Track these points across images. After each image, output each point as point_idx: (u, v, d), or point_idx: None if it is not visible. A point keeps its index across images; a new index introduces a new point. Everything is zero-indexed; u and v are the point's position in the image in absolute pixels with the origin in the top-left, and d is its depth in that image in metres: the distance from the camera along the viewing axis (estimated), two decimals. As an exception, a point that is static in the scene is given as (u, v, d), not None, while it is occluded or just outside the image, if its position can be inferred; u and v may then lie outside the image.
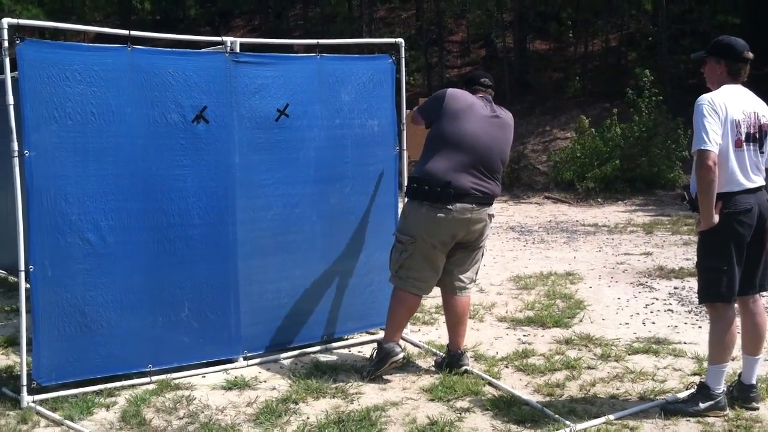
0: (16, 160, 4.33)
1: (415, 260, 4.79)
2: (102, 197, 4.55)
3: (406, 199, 4.91)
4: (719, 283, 4.12)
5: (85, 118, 4.47)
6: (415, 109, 5.13)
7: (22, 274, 4.40)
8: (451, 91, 4.87)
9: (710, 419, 4.13)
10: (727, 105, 4.07)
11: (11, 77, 4.29)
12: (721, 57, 4.23)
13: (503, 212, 13.68)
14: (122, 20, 26.05)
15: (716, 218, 4.04)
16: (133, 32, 4.62)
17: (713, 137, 4.00)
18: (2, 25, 4.21)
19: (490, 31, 22.05)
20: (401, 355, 4.87)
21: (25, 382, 4.38)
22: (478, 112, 4.78)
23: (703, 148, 4.00)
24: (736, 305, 4.24)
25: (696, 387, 4.32)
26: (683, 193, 4.36)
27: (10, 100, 4.31)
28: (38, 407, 4.34)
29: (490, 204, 4.85)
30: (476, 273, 5.05)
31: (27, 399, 4.37)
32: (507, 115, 4.94)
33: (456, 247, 4.85)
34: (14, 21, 4.30)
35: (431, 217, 4.70)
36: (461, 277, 4.92)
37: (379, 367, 4.82)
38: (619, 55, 20.14)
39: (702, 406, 4.18)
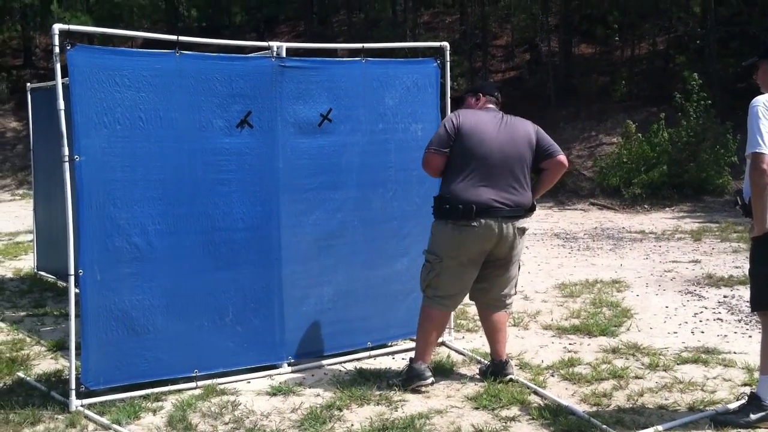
0: (67, 165, 4.40)
1: (442, 279, 4.72)
2: (149, 201, 4.60)
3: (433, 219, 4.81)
4: (773, 292, 4.02)
5: (133, 123, 4.53)
6: (427, 150, 4.71)
7: (72, 278, 4.46)
8: (456, 116, 4.72)
9: (761, 431, 4.03)
10: (782, 107, 3.98)
11: (62, 83, 4.36)
12: (775, 59, 4.15)
13: (547, 219, 13.55)
14: (169, 27, 26.35)
15: (770, 224, 3.94)
16: (181, 38, 4.67)
17: (768, 140, 3.91)
18: (54, 31, 4.30)
19: (535, 35, 21.90)
20: (430, 380, 4.76)
21: (73, 386, 4.43)
22: (487, 126, 4.68)
23: (758, 150, 3.91)
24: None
25: (747, 398, 4.21)
26: (736, 197, 4.26)
27: (61, 105, 4.38)
28: (86, 411, 4.39)
29: (520, 216, 4.71)
30: (515, 288, 4.95)
31: (75, 403, 4.43)
32: (519, 120, 4.81)
33: (488, 264, 4.77)
34: (65, 27, 4.39)
35: (456, 235, 4.63)
36: (498, 294, 4.87)
37: (405, 385, 4.74)
38: (667, 59, 19.82)
39: (753, 417, 4.08)
